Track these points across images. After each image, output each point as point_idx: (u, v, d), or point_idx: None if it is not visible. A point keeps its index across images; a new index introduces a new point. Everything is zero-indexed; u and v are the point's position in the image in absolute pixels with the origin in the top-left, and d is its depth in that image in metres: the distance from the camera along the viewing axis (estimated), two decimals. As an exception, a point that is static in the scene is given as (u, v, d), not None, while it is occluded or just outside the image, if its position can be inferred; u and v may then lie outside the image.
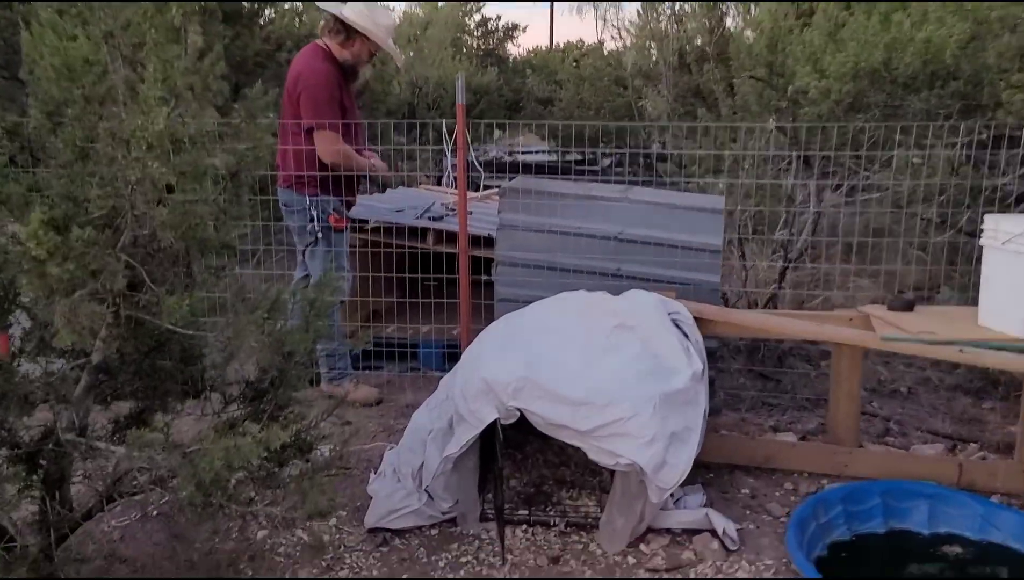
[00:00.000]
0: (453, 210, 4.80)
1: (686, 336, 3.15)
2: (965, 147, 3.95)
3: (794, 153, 4.57)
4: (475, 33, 21.38)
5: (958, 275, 4.11)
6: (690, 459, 2.70)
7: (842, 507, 2.96)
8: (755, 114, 5.20)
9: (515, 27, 22.75)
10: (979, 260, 3.49)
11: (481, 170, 4.04)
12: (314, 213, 3.96)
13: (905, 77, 4.08)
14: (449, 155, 8.29)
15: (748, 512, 3.06)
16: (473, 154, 4.18)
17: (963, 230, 4.17)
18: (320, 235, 3.98)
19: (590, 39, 28.07)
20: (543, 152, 12.40)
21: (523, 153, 13.52)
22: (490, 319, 4.52)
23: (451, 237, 4.52)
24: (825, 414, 3.87)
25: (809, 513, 2.88)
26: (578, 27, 20.78)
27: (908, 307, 3.09)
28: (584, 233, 3.79)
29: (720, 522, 2.82)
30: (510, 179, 4.69)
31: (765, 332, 3.32)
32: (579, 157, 12.04)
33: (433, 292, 4.36)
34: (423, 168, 8.20)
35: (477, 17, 20.54)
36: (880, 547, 2.91)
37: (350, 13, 3.95)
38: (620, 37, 11.03)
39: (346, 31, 3.96)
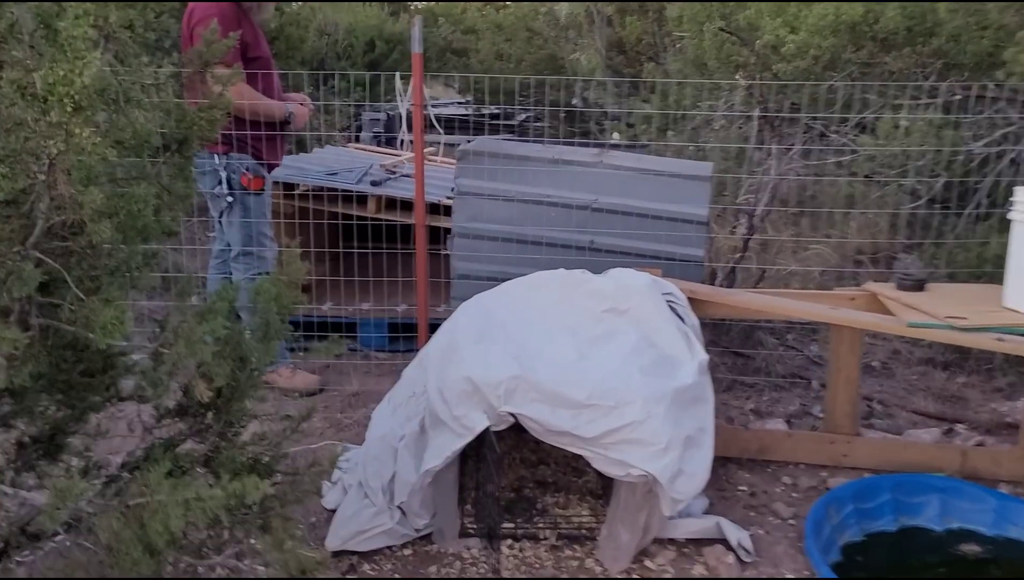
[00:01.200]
0: (395, 173, 4.33)
1: (682, 320, 2.82)
2: (943, 109, 3.74)
3: (760, 114, 4.28)
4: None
5: (932, 247, 3.93)
6: (708, 466, 2.39)
7: (853, 506, 2.72)
8: (713, 70, 4.89)
9: (421, -26, 21.88)
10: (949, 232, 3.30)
11: (440, 129, 3.57)
12: (224, 174, 3.44)
13: (885, 32, 3.82)
14: (370, 111, 7.70)
15: (752, 514, 2.79)
16: (432, 111, 3.65)
17: (937, 200, 3.98)
18: (232, 200, 3.46)
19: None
20: (457, 104, 11.86)
21: (435, 106, 12.96)
22: (444, 297, 4.13)
23: (395, 204, 4.06)
24: (821, 401, 3.65)
25: (823, 515, 2.63)
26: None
27: (919, 286, 2.84)
28: (553, 201, 3.41)
29: (733, 533, 2.54)
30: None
31: (767, 314, 3.04)
32: (496, 112, 11.61)
33: (372, 266, 3.91)
34: (337, 126, 7.59)
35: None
36: (894, 547, 2.70)
37: None
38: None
39: None
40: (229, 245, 3.59)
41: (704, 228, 3.33)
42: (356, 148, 5.33)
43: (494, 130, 11.52)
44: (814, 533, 2.51)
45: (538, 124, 10.80)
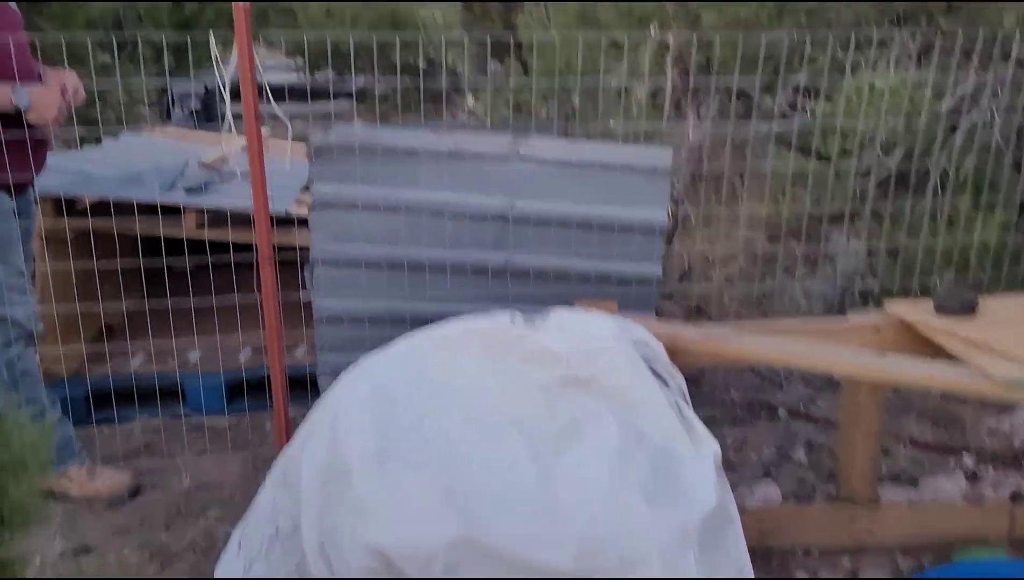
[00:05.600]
0: (219, 173, 3.21)
1: (664, 383, 1.97)
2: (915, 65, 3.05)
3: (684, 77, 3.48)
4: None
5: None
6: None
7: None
8: (608, 23, 4.03)
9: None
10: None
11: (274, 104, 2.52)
12: None
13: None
14: (181, 83, 6.33)
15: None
16: (264, 78, 2.52)
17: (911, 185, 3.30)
18: None
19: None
20: (287, 69, 10.46)
21: (263, 72, 11.43)
22: (304, 332, 3.10)
23: (221, 218, 2.95)
24: (799, 440, 2.91)
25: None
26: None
27: (970, 308, 2.11)
28: (452, 210, 2.46)
29: None
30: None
31: (782, 364, 2.22)
32: (334, 78, 10.34)
33: (195, 296, 2.83)
34: (139, 100, 6.18)
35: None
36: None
37: None
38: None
39: None
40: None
41: (658, 238, 2.47)
42: (166, 133, 4.12)
43: (329, 96, 10.29)
44: None
45: (380, 91, 9.68)
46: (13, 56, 2.23)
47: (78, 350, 3.04)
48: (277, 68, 10.28)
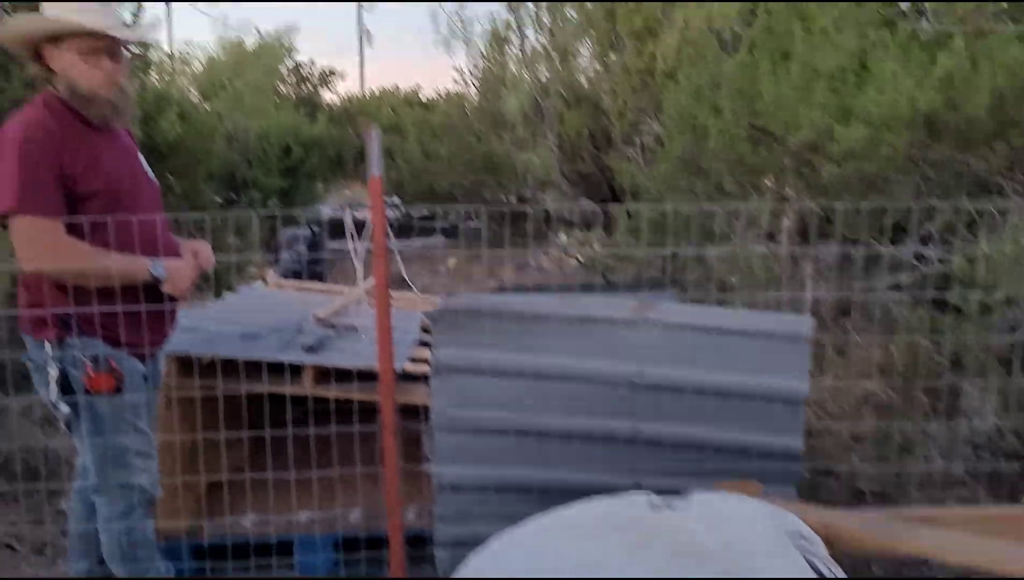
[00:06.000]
0: (335, 328, 3.22)
1: (824, 580, 1.78)
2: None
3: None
4: (289, 80, 19.61)
5: None
6: None
7: None
8: (713, 172, 4.00)
9: (331, 72, 21.16)
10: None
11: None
12: (54, 372, 2.21)
13: (964, 124, 2.98)
14: (291, 229, 6.57)
15: None
16: (395, 242, 2.51)
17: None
18: (70, 410, 2.24)
19: (404, 85, 26.79)
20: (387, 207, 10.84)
21: (359, 211, 11.86)
22: (419, 491, 3.01)
23: (340, 375, 2.94)
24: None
25: None
26: (389, 73, 19.60)
27: None
28: (580, 376, 2.38)
29: None
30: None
31: (967, 566, 1.98)
32: (426, 213, 10.64)
33: (312, 454, 2.79)
34: (252, 248, 6.41)
35: (290, 63, 18.84)
36: None
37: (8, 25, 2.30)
38: (465, 82, 9.76)
39: (32, 51, 2.24)
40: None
41: (799, 409, 2.33)
42: (282, 285, 4.21)
43: (425, 232, 10.57)
44: None
45: (473, 225, 9.90)
46: (157, 226, 2.32)
47: (193, 506, 3.02)
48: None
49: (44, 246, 2.12)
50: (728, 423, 2.32)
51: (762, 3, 4.07)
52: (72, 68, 2.18)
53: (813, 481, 3.42)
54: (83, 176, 2.17)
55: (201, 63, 13.33)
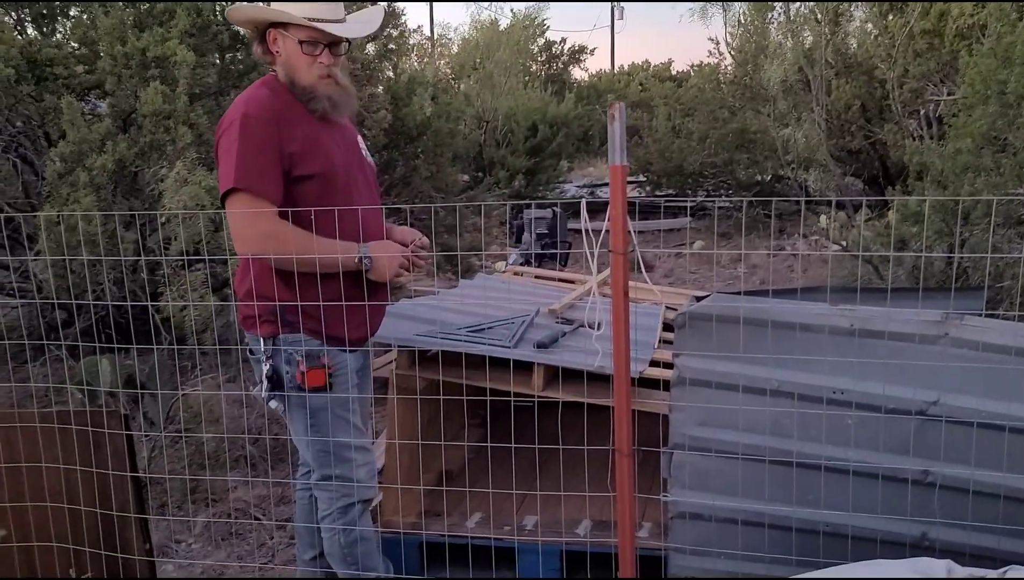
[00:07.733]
0: (569, 322, 2.99)
1: None
2: None
3: None
4: (539, 57, 19.77)
5: None
6: None
7: None
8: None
9: (582, 49, 21.08)
10: None
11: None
12: (265, 368, 2.16)
13: None
14: (534, 210, 6.48)
15: None
16: (636, 243, 2.18)
17: None
18: (282, 404, 2.20)
19: (655, 60, 26.19)
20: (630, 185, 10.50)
21: (595, 187, 11.64)
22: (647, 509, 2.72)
23: (570, 374, 2.70)
24: None
25: None
26: (641, 48, 19.14)
27: None
28: (856, 401, 1.96)
29: None
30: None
31: None
32: (672, 193, 10.20)
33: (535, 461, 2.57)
34: (488, 235, 6.34)
35: (541, 41, 18.97)
36: None
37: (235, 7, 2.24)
38: (720, 52, 9.16)
39: (258, 33, 2.20)
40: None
41: None
42: (511, 274, 4.06)
43: (669, 213, 10.13)
44: None
45: (722, 206, 9.33)
46: (369, 211, 2.21)
47: (417, 501, 2.93)
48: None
49: (257, 228, 2.07)
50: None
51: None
52: (292, 57, 2.15)
53: None
54: (301, 158, 2.11)
55: (457, 46, 13.74)
